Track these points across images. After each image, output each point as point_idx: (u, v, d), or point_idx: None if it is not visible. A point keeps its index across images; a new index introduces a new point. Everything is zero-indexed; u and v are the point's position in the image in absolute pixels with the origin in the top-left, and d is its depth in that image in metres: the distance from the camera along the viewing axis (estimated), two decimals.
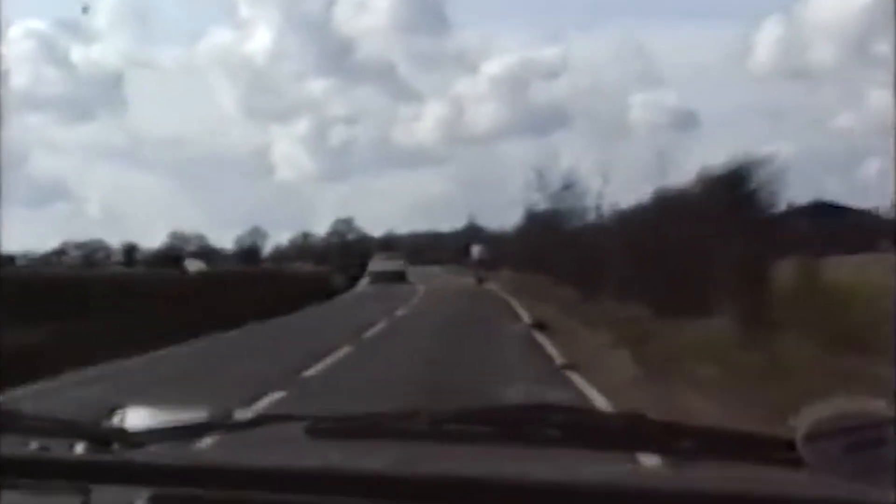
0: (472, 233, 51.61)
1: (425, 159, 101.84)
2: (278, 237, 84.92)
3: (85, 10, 61.67)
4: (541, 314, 19.94)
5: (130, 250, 67.80)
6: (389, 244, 79.14)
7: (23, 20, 77.88)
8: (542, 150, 77.91)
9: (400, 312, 23.98)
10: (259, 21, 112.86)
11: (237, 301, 23.35)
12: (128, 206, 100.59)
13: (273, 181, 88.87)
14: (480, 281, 39.41)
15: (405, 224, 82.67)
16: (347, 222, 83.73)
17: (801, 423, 1.33)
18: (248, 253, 74.87)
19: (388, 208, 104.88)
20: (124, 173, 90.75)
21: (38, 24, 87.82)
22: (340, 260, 59.13)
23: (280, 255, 75.95)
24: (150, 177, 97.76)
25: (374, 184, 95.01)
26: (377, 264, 48.49)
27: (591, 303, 20.34)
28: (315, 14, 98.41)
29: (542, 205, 34.02)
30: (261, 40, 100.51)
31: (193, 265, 38.07)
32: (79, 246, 69.44)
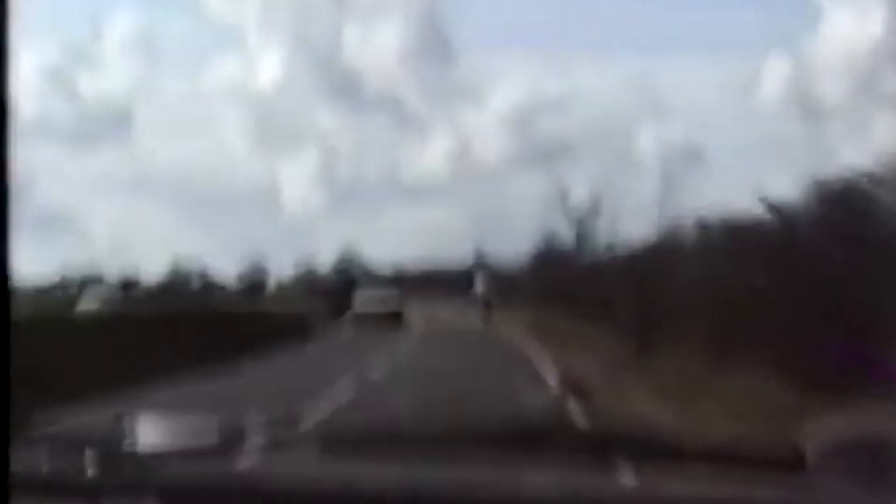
0: (480, 267, 45.98)
1: (432, 192, 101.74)
2: (282, 272, 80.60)
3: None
4: (575, 371, 13.76)
5: (128, 285, 67.52)
6: (396, 279, 78.56)
7: (29, 48, 78.21)
8: (549, 183, 76.82)
9: (376, 374, 15.25)
10: (267, 52, 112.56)
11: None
12: (133, 238, 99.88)
13: (279, 214, 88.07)
14: (486, 318, 33.10)
15: (412, 258, 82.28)
16: (350, 259, 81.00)
17: (809, 434, 1.34)
18: (252, 288, 72.42)
19: (394, 241, 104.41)
20: (130, 204, 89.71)
21: (45, 53, 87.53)
22: (330, 296, 54.23)
23: (283, 291, 73.29)
24: (155, 208, 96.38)
25: (381, 217, 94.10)
26: (362, 303, 35.85)
27: (655, 357, 13.50)
28: (323, 46, 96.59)
29: (562, 231, 30.14)
30: (268, 71, 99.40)
31: (89, 300, 28.09)
32: (83, 279, 66.37)
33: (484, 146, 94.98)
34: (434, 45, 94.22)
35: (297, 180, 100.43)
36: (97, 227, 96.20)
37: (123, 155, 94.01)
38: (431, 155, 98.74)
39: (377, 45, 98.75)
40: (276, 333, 24.59)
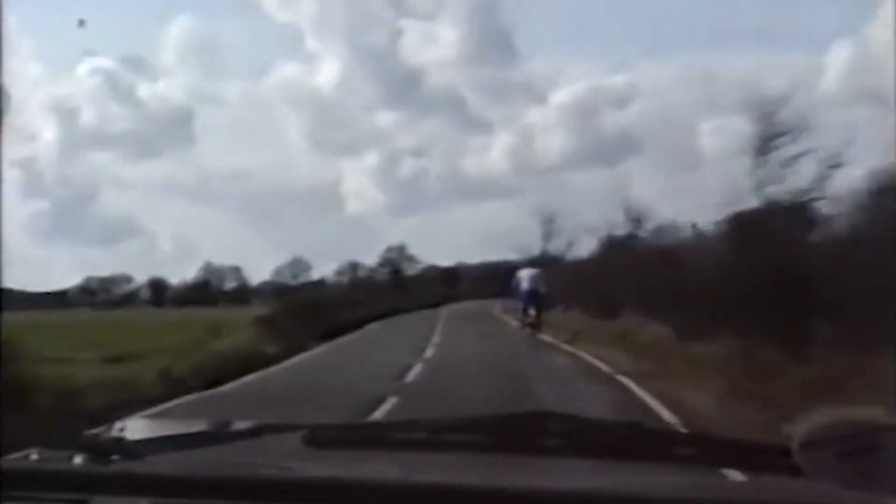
0: (546, 263, 42.21)
1: (495, 190, 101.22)
2: (324, 268, 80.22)
3: (81, 23, 61.56)
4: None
5: (158, 287, 63.48)
6: (453, 276, 75.25)
7: (89, 58, 77.70)
8: (612, 179, 76.14)
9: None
10: (326, 54, 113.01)
11: None
12: (196, 242, 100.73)
13: (342, 215, 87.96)
14: (533, 328, 23.65)
15: (472, 256, 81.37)
16: (400, 250, 76.63)
17: (798, 430, 1.34)
18: (285, 288, 66.92)
19: (454, 239, 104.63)
20: (192, 208, 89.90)
21: (104, 62, 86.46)
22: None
23: (326, 289, 67.61)
24: (217, 212, 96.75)
25: (443, 216, 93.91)
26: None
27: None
28: (382, 46, 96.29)
29: (625, 226, 27.10)
30: (328, 73, 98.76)
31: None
32: (103, 281, 65.09)
33: (545, 143, 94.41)
34: (494, 43, 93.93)
35: (357, 180, 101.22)
36: (163, 231, 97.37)
37: (184, 159, 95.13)
38: (493, 153, 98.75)
39: (437, 44, 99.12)
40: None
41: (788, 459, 1.34)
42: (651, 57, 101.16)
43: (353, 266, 74.98)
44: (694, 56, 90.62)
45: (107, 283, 64.94)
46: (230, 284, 68.64)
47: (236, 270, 70.26)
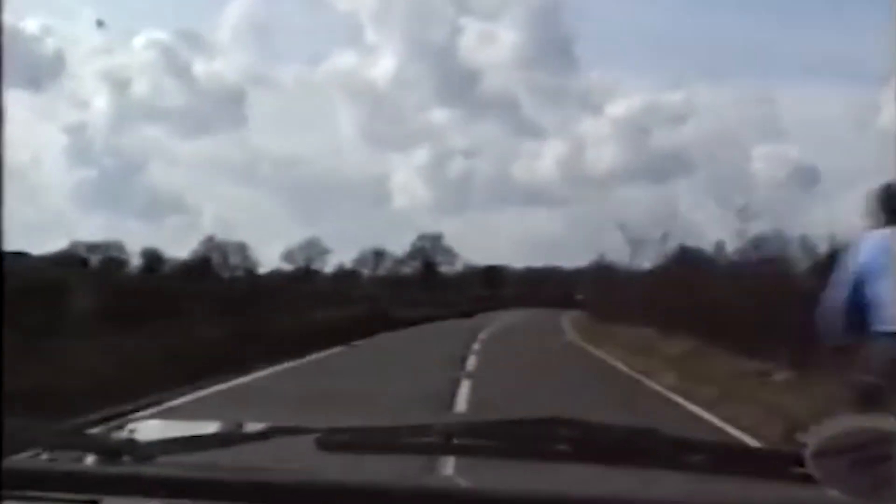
0: (601, 271, 39.96)
1: (543, 197, 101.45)
2: (343, 254, 70.60)
3: (100, 23, 61.58)
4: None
5: (153, 256, 55.24)
6: (496, 277, 69.15)
7: (146, 30, 78.28)
8: (662, 196, 75.78)
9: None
10: (383, 47, 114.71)
11: None
12: (238, 224, 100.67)
13: (389, 209, 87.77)
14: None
15: (515, 261, 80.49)
16: (434, 240, 67.17)
17: (810, 439, 1.32)
18: (301, 273, 58.99)
19: (498, 243, 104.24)
20: (239, 190, 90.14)
21: (161, 35, 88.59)
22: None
23: (343, 275, 60.24)
24: (264, 194, 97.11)
25: (488, 218, 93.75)
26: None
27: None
28: (440, 44, 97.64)
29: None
30: (384, 66, 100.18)
31: None
32: (91, 248, 56.24)
33: (597, 154, 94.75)
34: (553, 50, 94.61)
35: (405, 176, 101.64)
36: (208, 209, 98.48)
37: (234, 140, 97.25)
38: (543, 159, 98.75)
39: (496, 45, 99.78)
40: None
41: (801, 468, 1.33)
42: (708, 78, 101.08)
43: (378, 254, 67.08)
44: (751, 80, 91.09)
45: (96, 249, 57.00)
46: (234, 262, 60.30)
47: (242, 248, 60.93)
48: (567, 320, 37.04)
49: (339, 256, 69.54)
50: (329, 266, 65.81)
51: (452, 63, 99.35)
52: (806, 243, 23.72)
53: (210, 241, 60.28)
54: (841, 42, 79.41)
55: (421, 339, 27.07)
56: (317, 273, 62.93)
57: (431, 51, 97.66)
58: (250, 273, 55.14)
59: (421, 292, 51.13)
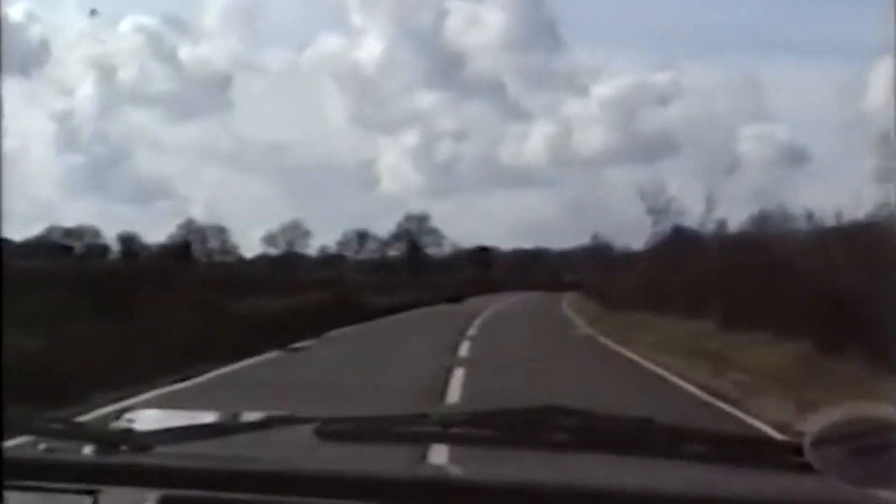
0: (597, 251, 38.33)
1: (531, 179, 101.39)
2: (326, 237, 72.01)
3: (93, 12, 61.29)
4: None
5: (129, 241, 53.54)
6: (486, 258, 68.03)
7: (131, 15, 77.69)
8: (649, 177, 75.31)
9: None
10: (370, 30, 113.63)
11: None
12: (229, 207, 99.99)
13: (377, 193, 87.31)
14: None
15: (505, 243, 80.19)
16: (421, 220, 64.54)
17: (810, 427, 1.33)
18: (281, 259, 56.47)
19: (487, 226, 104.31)
20: (227, 175, 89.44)
21: (147, 20, 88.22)
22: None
23: (326, 260, 57.33)
24: (252, 180, 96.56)
25: (477, 201, 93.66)
26: None
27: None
28: (426, 26, 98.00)
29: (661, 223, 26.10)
30: (371, 49, 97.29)
31: None
32: (67, 233, 54.29)
33: (584, 135, 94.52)
34: (539, 31, 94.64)
35: (393, 159, 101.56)
36: (196, 195, 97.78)
37: (221, 125, 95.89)
38: (531, 141, 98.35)
39: (482, 27, 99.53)
40: None
41: (800, 456, 1.33)
42: (695, 58, 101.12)
43: (361, 236, 64.66)
44: (738, 60, 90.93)
45: (72, 235, 54.97)
46: (213, 246, 57.65)
47: (220, 231, 57.62)
48: (569, 306, 32.96)
49: (322, 239, 68.73)
50: (313, 249, 64.30)
51: (439, 45, 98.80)
52: (812, 219, 21.66)
53: (189, 225, 58.04)
54: (828, 22, 79.71)
55: (389, 335, 20.60)
56: (301, 257, 60.74)
57: (418, 33, 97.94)
58: (225, 259, 53.51)
59: (405, 276, 49.15)
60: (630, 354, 16.18)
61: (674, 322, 19.12)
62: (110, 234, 56.98)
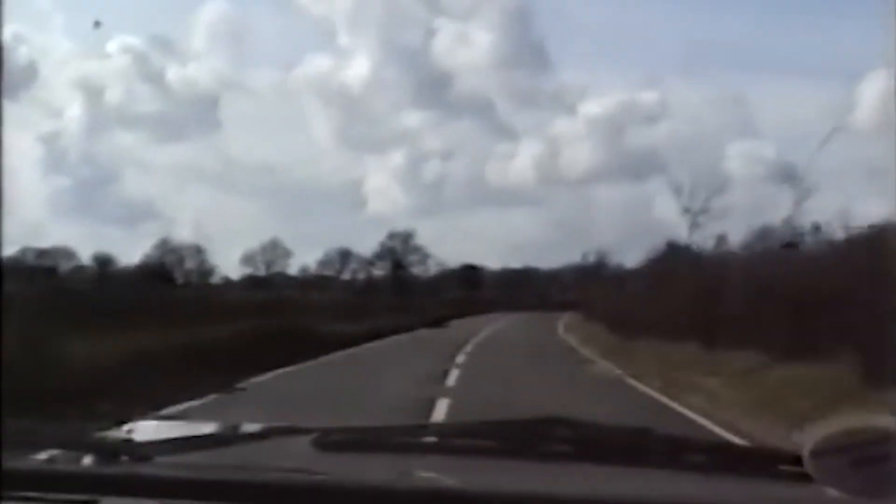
0: (588, 270, 36.16)
1: (519, 198, 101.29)
2: (305, 256, 71.67)
3: (97, 24, 61.52)
4: None
5: (104, 262, 52.83)
6: (475, 277, 67.36)
7: (119, 36, 76.97)
8: (637, 195, 75.36)
9: None
10: (357, 50, 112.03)
11: None
12: (213, 231, 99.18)
13: (364, 213, 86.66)
14: None
15: (493, 263, 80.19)
16: (405, 238, 62.82)
17: (808, 438, 1.33)
18: (258, 280, 55.82)
19: (474, 245, 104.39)
20: (214, 196, 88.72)
21: (134, 41, 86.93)
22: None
23: (309, 282, 55.60)
24: (239, 200, 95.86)
25: (464, 220, 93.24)
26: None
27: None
28: (414, 46, 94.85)
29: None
30: (358, 69, 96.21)
31: None
32: (40, 254, 52.19)
33: (572, 154, 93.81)
34: (527, 50, 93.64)
35: (381, 179, 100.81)
36: (183, 216, 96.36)
37: (209, 146, 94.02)
38: (519, 160, 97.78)
39: (469, 46, 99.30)
40: None
41: (798, 467, 1.33)
42: (683, 76, 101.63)
43: (344, 255, 62.95)
44: (725, 78, 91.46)
45: (46, 256, 53.06)
46: (190, 266, 56.44)
47: (198, 251, 55.89)
48: (568, 330, 28.55)
49: (302, 259, 66.84)
50: (293, 269, 62.55)
51: (427, 65, 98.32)
52: (819, 232, 21.11)
53: (165, 245, 55.67)
54: (815, 40, 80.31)
55: (327, 387, 13.19)
56: (278, 277, 58.81)
57: (405, 53, 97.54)
58: (201, 280, 51.98)
59: (388, 296, 46.75)
60: (708, 423, 9.57)
61: (730, 358, 14.08)
62: (86, 255, 55.90)
